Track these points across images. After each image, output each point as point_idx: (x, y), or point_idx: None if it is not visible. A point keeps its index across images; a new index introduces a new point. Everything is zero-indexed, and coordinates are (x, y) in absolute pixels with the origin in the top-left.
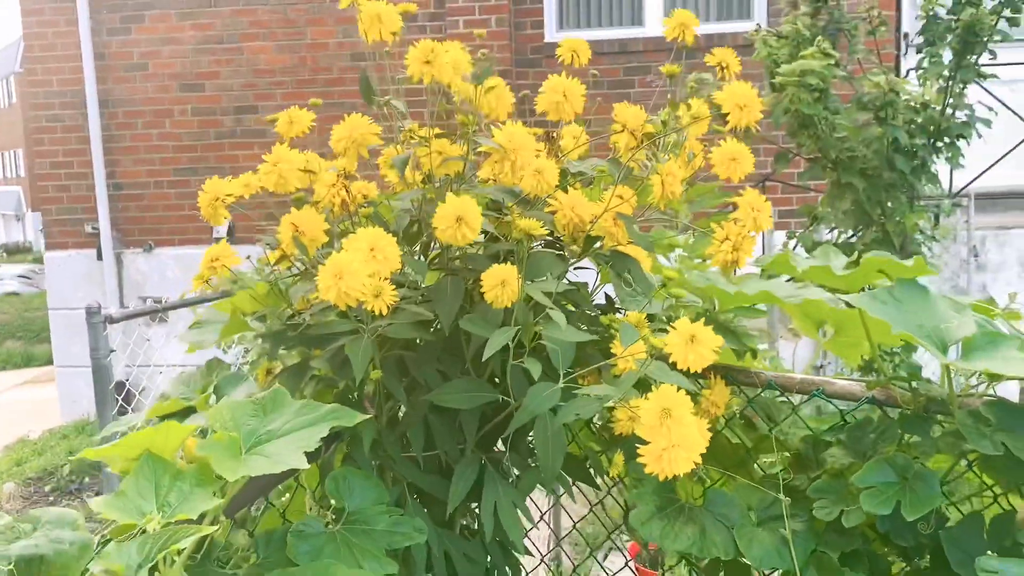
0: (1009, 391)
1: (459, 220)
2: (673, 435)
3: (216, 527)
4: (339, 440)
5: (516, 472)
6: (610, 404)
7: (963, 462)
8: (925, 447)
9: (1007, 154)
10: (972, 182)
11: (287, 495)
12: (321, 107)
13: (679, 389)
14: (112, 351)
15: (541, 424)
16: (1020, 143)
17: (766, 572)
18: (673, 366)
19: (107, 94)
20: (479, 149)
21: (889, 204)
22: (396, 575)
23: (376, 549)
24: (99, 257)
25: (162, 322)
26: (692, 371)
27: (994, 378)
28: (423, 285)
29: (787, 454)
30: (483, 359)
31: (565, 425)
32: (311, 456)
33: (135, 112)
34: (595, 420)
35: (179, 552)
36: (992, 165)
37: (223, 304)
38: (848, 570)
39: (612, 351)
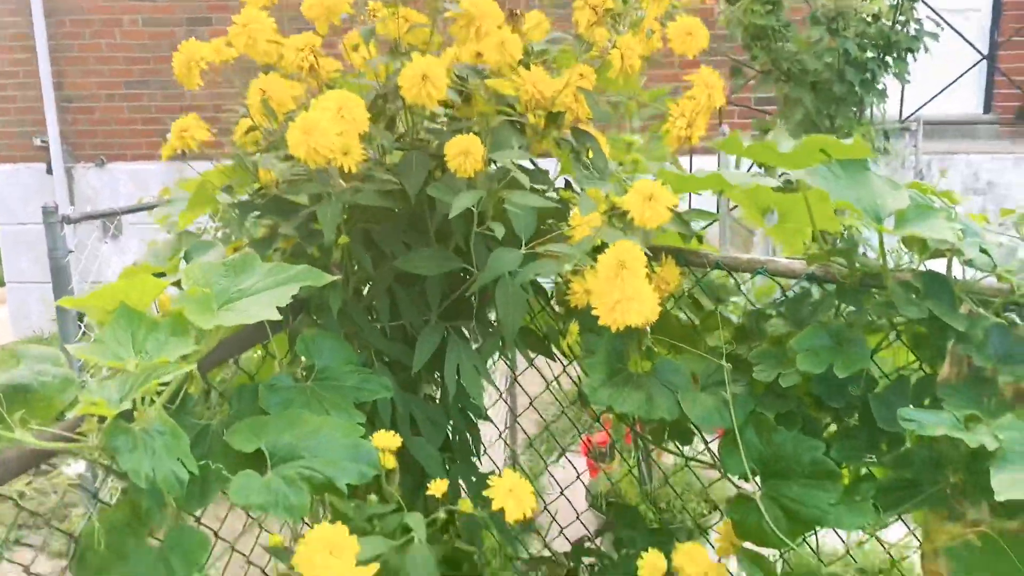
0: (939, 267)
1: (424, 78)
2: (627, 287)
3: (191, 365)
4: (307, 309)
5: (478, 341)
6: (567, 275)
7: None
8: (859, 315)
9: (954, 81)
10: (921, 108)
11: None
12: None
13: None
14: (71, 251)
15: (502, 285)
16: (968, 70)
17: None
18: (629, 225)
19: (53, 1)
20: (446, 14)
21: (838, 120)
22: (363, 424)
23: (344, 402)
24: (49, 171)
25: (115, 238)
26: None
27: (923, 251)
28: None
29: (731, 329)
30: (448, 217)
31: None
32: (279, 326)
33: (82, 21)
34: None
35: (157, 393)
36: (940, 91)
37: (189, 182)
38: (783, 428)
39: (572, 223)
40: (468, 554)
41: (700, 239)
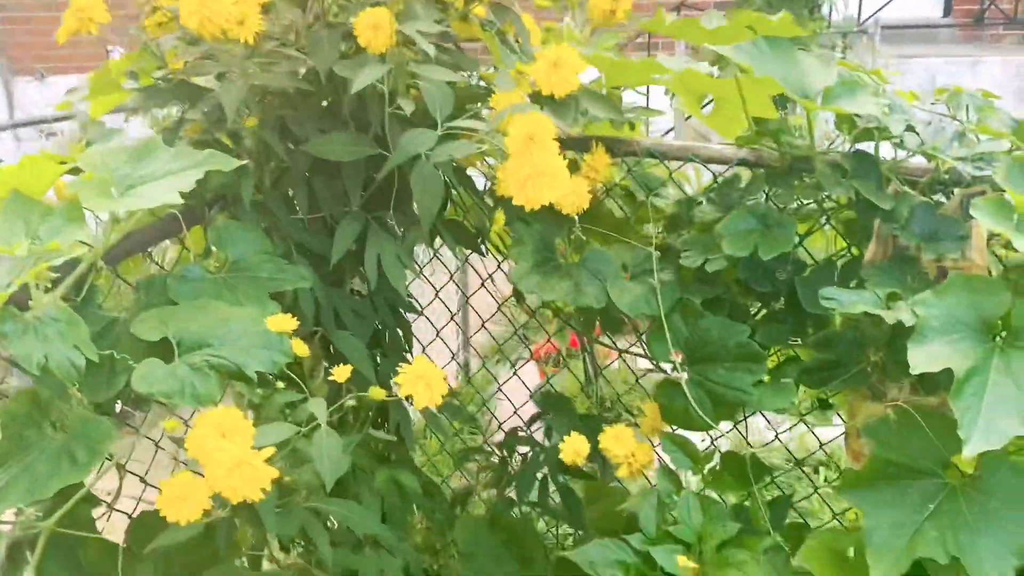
0: (867, 147)
1: None
2: (536, 160)
3: (84, 250)
4: (221, 203)
5: (401, 231)
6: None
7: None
8: (787, 199)
9: None
10: (879, 11)
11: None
12: None
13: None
14: (1, 160)
15: (417, 169)
16: None
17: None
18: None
19: None
20: None
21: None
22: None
23: (258, 293)
24: None
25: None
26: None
27: (852, 129)
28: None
29: (664, 219)
30: (362, 100)
31: (453, 195)
32: (195, 220)
33: None
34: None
35: (53, 282)
36: None
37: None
38: (710, 314)
39: (492, 105)
40: (398, 444)
41: (632, 127)
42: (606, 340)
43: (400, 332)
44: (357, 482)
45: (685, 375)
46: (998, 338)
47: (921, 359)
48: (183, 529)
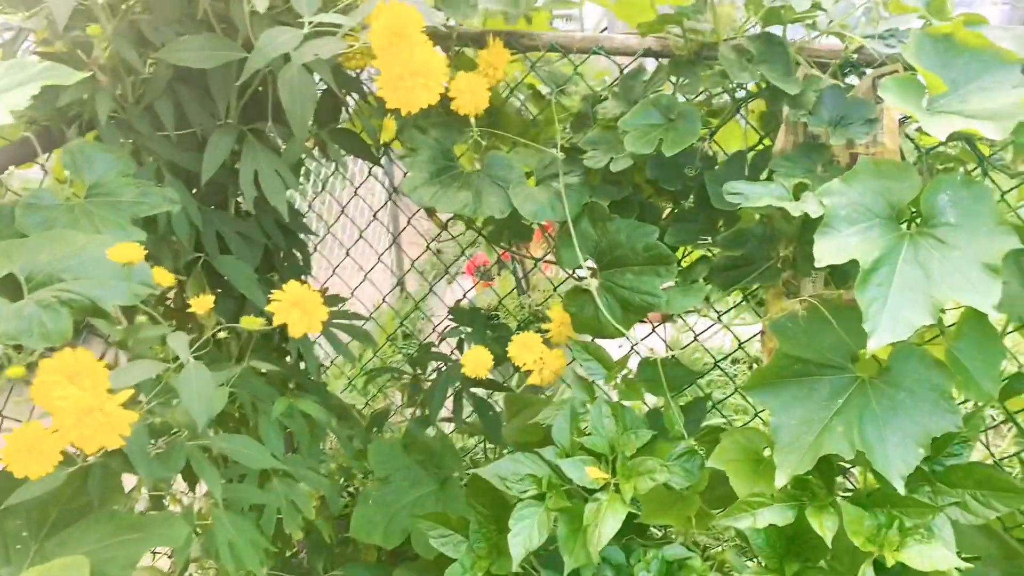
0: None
1: None
2: (406, 58)
3: None
4: (80, 123)
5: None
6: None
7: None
8: (693, 89)
9: None
10: None
11: None
12: None
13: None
14: None
15: (283, 72)
16: None
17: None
18: None
19: None
20: None
21: None
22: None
23: (120, 219)
24: None
25: None
26: None
27: (759, 9)
28: None
29: (569, 119)
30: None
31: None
32: (54, 144)
33: None
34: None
35: None
36: None
37: None
38: (618, 216)
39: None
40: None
41: (529, 20)
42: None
43: (298, 255)
44: (257, 414)
45: (595, 282)
46: (908, 225)
47: (827, 251)
48: (40, 482)
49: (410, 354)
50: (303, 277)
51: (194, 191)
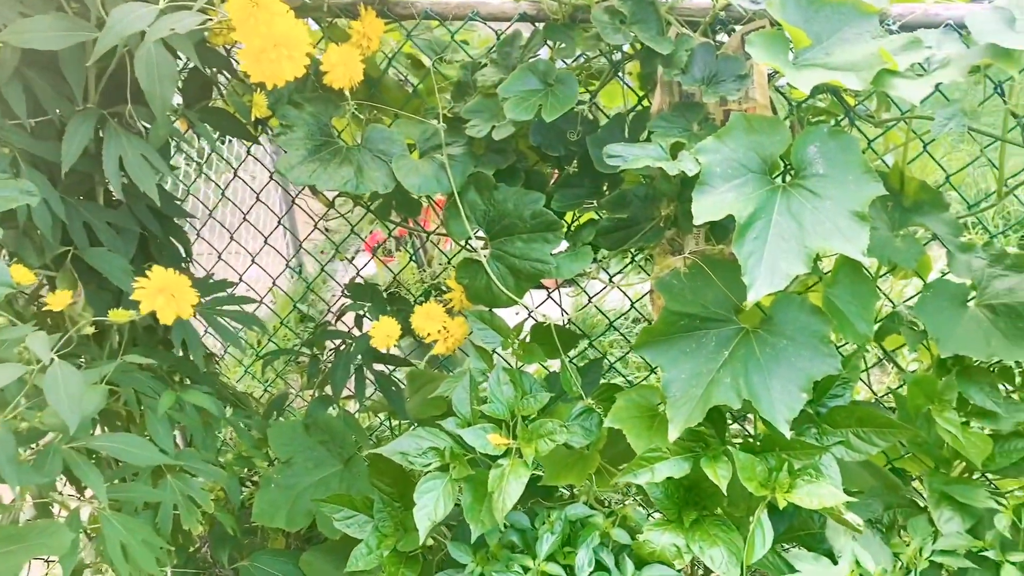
0: None
1: None
2: (266, 30)
3: None
4: None
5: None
6: None
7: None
8: (569, 52)
9: None
10: None
11: None
12: None
13: None
14: None
15: (140, 51)
16: None
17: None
18: None
19: None
20: None
21: None
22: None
23: None
24: None
25: None
26: None
27: None
28: None
29: (451, 88)
30: None
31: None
32: None
33: None
34: None
35: None
36: None
37: None
38: (504, 185)
39: None
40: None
41: None
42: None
43: (178, 243)
44: (142, 410)
45: (485, 252)
46: (782, 178)
47: (704, 208)
48: None
49: (308, 335)
50: (184, 265)
51: (59, 182)
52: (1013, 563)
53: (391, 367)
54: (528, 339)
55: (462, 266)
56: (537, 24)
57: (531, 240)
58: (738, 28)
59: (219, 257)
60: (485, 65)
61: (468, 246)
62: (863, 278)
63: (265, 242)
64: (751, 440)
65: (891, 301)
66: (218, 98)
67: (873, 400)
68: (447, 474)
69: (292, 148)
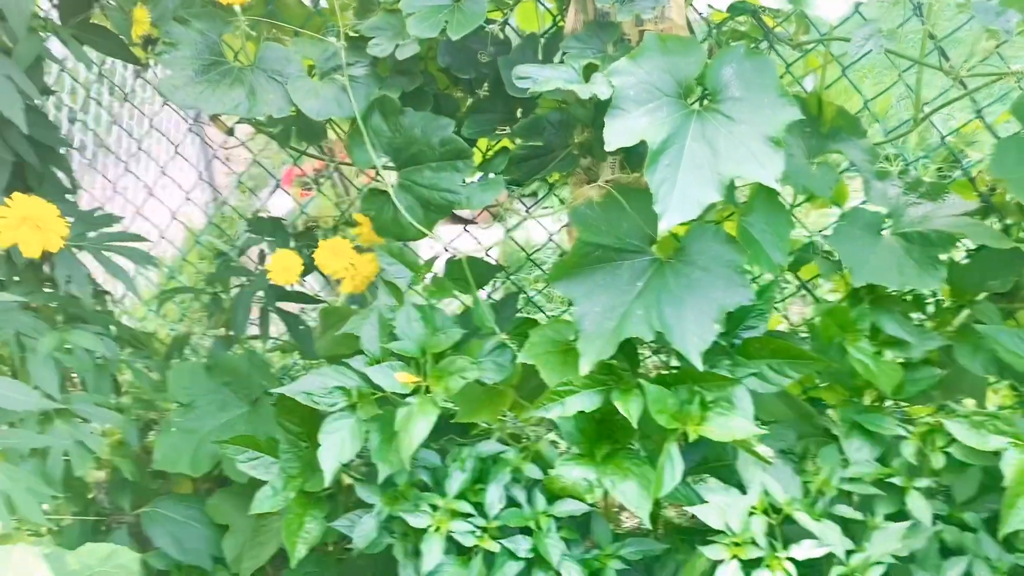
0: None
1: None
2: None
3: None
4: None
5: None
6: None
7: None
8: None
9: None
10: None
11: None
12: None
13: None
14: None
15: None
16: None
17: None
18: None
19: None
20: None
21: None
22: None
23: None
24: None
25: None
26: None
27: None
28: None
29: (354, 4)
30: None
31: None
32: None
33: None
34: None
35: None
36: None
37: None
38: (411, 109)
39: None
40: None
41: None
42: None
43: (60, 173)
44: (22, 351)
45: (392, 182)
46: (698, 103)
47: (616, 134)
48: None
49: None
50: (69, 197)
51: None
52: (918, 488)
53: (302, 305)
54: (442, 275)
55: (368, 197)
56: None
57: (440, 169)
58: None
59: (115, 190)
60: None
61: (375, 176)
62: (778, 207)
63: (163, 172)
64: (665, 374)
65: (807, 230)
66: (99, 12)
67: (791, 331)
68: (355, 413)
69: (177, 68)
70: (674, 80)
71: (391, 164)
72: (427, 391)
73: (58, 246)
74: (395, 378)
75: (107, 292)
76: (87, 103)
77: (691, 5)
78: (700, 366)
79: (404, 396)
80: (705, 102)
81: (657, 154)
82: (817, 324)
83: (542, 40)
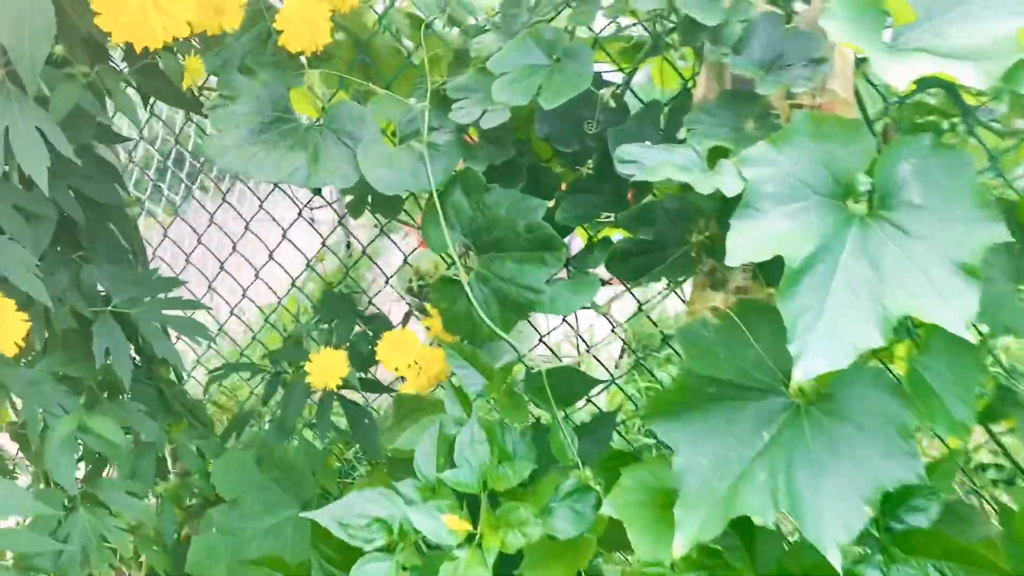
0: None
1: None
2: None
3: None
4: None
5: None
6: None
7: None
8: (589, 16)
9: None
10: None
11: None
12: None
13: None
14: None
15: None
16: None
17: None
18: None
19: None
20: None
21: None
22: None
23: None
24: None
25: None
26: None
27: None
28: None
29: (449, 57)
30: None
31: None
32: None
33: None
34: None
35: None
36: None
37: None
38: (499, 186)
39: None
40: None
41: None
42: None
43: (115, 228)
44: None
45: (469, 271)
46: (861, 207)
47: (744, 243)
48: None
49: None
50: (131, 258)
51: None
52: None
53: (369, 393)
54: (522, 383)
55: (439, 286)
56: None
57: (524, 260)
58: None
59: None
60: (487, 31)
61: (449, 261)
62: (965, 346)
63: (270, 258)
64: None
65: (1003, 368)
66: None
67: (959, 497)
68: (393, 556)
69: (231, 126)
70: (830, 174)
71: (470, 247)
72: (479, 543)
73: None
74: (443, 522)
75: (167, 361)
76: (169, 153)
77: (863, 75)
78: (839, 566)
79: (453, 546)
80: (871, 207)
81: (799, 273)
82: (1013, 506)
83: (666, 108)
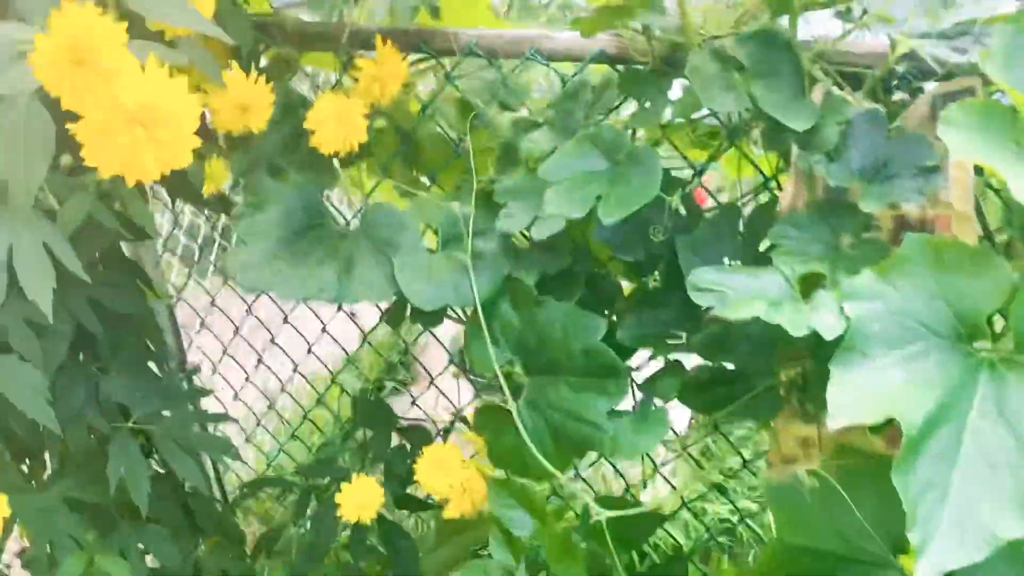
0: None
1: None
2: (102, 99)
3: None
4: None
5: None
6: None
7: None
8: (654, 117)
9: None
10: None
11: None
12: None
13: None
14: None
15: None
16: None
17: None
18: None
19: None
20: None
21: None
22: None
23: None
24: None
25: None
26: None
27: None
28: None
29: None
30: None
31: None
32: None
33: None
34: None
35: None
36: None
37: None
38: (551, 298)
39: None
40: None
41: (436, 12)
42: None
43: (135, 337)
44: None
45: (517, 400)
46: (987, 349)
47: (847, 399)
48: None
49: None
50: (163, 367)
51: None
52: None
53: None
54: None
55: (483, 413)
56: (619, 67)
57: (581, 388)
58: (927, 88)
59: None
60: (541, 126)
61: (495, 384)
62: None
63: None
64: None
65: None
66: None
67: None
68: None
69: (254, 239)
70: (952, 313)
71: (519, 369)
72: None
73: None
74: None
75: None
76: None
77: (985, 184)
78: None
79: None
80: (1003, 352)
81: (918, 441)
82: None
83: (744, 213)
